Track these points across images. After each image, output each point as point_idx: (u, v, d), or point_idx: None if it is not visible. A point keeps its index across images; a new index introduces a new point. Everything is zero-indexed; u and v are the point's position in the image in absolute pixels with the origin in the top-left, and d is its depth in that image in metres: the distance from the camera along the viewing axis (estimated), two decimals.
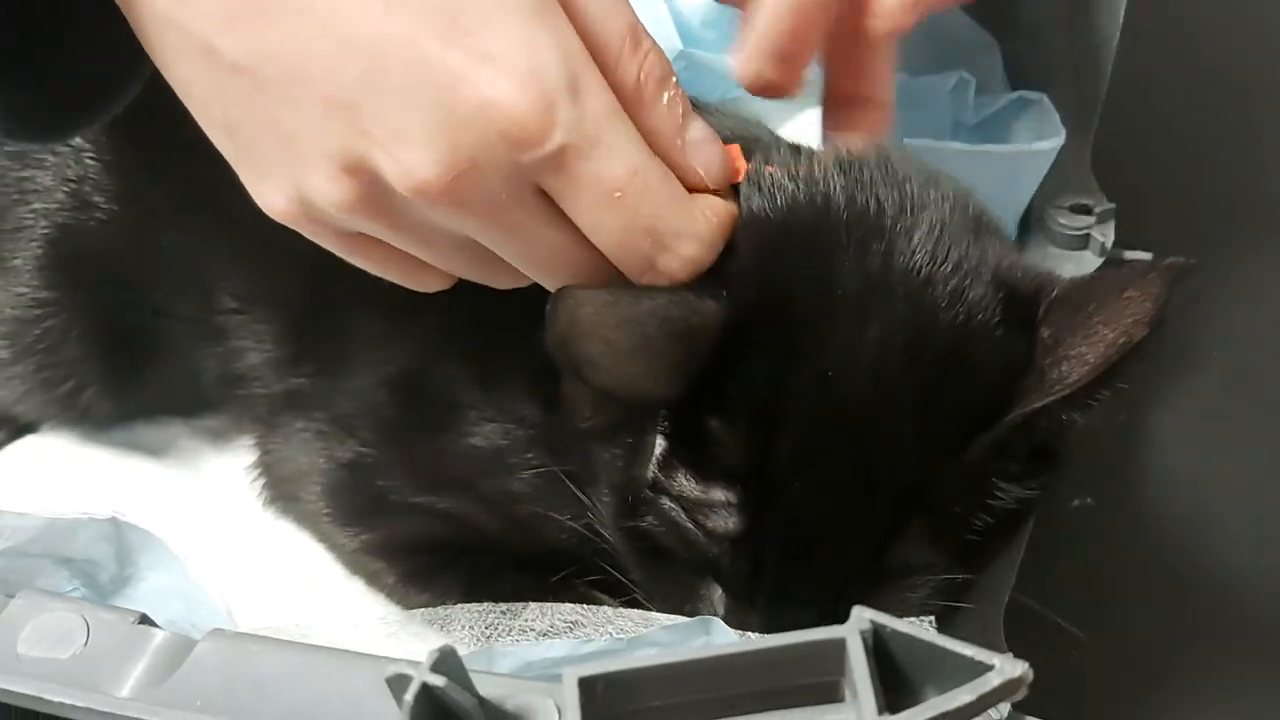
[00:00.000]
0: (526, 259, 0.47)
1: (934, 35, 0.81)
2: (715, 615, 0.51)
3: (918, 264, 0.49)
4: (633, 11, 0.47)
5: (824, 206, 0.51)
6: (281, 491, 0.69)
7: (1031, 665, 0.33)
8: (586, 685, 0.33)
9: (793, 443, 0.48)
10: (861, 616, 0.34)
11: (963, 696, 0.32)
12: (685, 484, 0.50)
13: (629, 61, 0.46)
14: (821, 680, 0.34)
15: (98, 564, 0.54)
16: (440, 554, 0.64)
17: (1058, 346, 0.48)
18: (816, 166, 0.53)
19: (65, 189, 0.67)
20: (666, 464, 0.50)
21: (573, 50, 0.43)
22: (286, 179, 0.46)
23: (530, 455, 0.59)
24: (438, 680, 0.33)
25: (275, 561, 0.67)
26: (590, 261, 0.47)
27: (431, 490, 0.62)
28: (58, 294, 0.67)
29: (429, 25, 0.42)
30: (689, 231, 0.47)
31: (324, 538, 0.68)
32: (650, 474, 0.50)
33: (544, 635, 0.49)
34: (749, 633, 0.49)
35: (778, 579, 0.50)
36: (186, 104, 0.48)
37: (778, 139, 0.58)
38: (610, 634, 0.48)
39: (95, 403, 0.71)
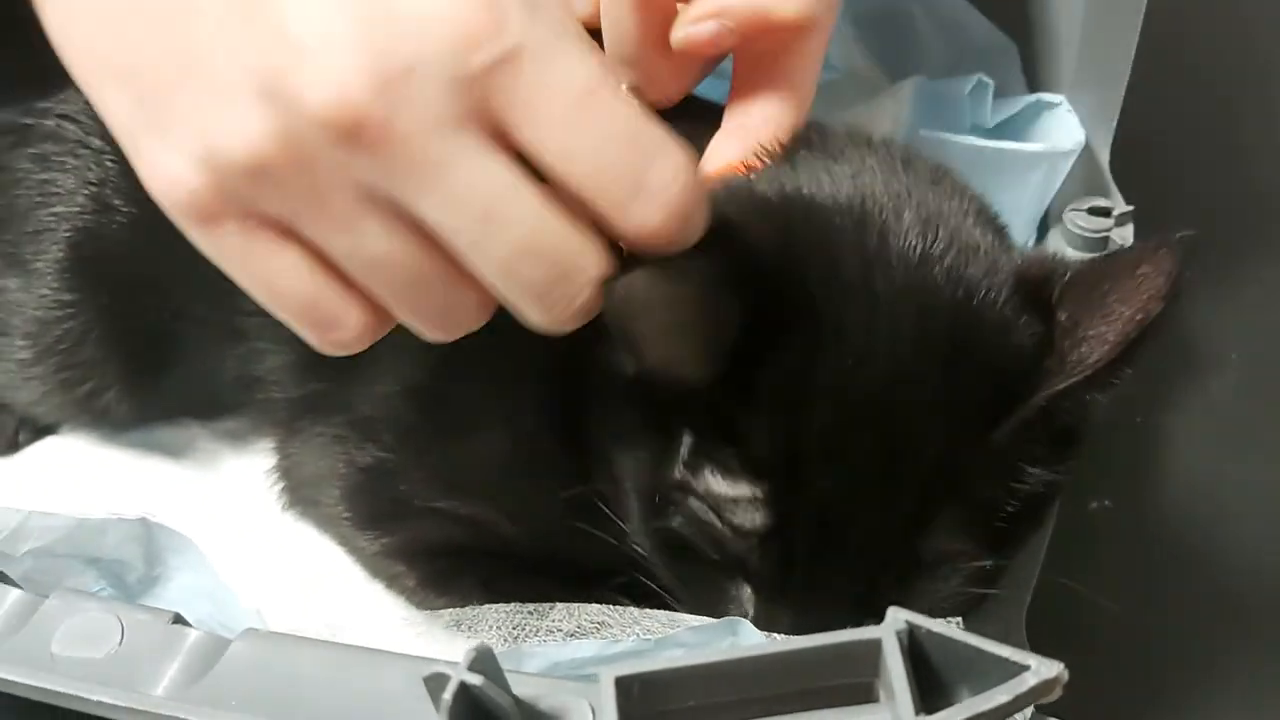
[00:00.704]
0: (469, 213, 0.41)
1: (952, 38, 0.82)
2: (745, 616, 0.51)
3: (911, 244, 0.50)
4: None
5: (827, 193, 0.52)
6: (301, 495, 0.69)
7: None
8: (623, 685, 0.33)
9: (819, 433, 0.48)
10: (897, 617, 0.34)
11: (999, 697, 0.32)
12: (712, 481, 0.50)
13: None
14: (856, 681, 0.34)
15: (126, 564, 0.54)
16: (460, 558, 0.64)
17: (1076, 328, 0.49)
18: (816, 154, 0.54)
19: (86, 192, 0.67)
20: (693, 463, 0.50)
21: None
22: (192, 128, 0.41)
23: (553, 464, 0.59)
24: (476, 679, 0.33)
25: (300, 563, 0.67)
26: (544, 213, 0.41)
27: (452, 495, 0.62)
28: (79, 296, 0.68)
29: None
30: (673, 143, 0.42)
31: (344, 541, 0.68)
32: (677, 474, 0.50)
33: (572, 636, 0.49)
34: (778, 633, 0.49)
35: (809, 574, 0.49)
36: (83, 60, 0.44)
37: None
38: (637, 634, 0.48)
39: (114, 404, 0.71)
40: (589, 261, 0.42)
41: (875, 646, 0.34)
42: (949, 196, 0.54)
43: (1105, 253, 0.51)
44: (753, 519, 0.49)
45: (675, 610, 0.53)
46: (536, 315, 0.43)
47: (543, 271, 0.42)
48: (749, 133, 0.56)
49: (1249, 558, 0.69)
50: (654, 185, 0.41)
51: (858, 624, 0.35)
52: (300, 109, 0.39)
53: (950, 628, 0.33)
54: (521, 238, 0.41)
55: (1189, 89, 0.73)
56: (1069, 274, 0.51)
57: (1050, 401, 0.48)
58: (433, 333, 0.46)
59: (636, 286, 0.44)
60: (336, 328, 0.45)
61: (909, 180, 0.53)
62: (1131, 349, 0.47)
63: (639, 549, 0.55)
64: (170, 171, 0.42)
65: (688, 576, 0.53)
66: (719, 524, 0.50)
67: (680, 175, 0.42)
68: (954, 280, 0.50)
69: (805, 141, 0.56)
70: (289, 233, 0.43)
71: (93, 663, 0.40)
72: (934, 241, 0.50)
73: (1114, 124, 0.74)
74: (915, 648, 0.34)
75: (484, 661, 0.34)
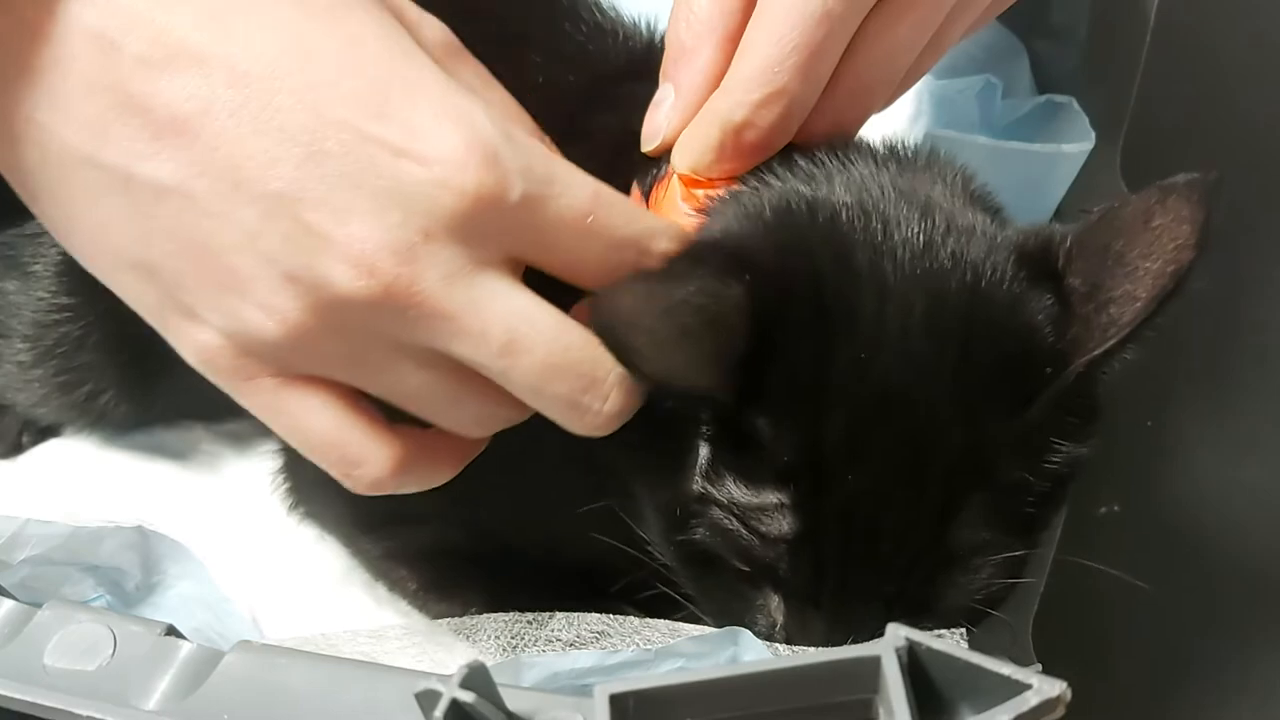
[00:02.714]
0: (493, 345, 0.44)
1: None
2: (774, 625, 0.50)
3: (914, 231, 0.49)
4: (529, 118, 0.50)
5: (827, 185, 0.52)
6: (305, 496, 0.69)
7: (1060, 673, 0.32)
8: (617, 702, 0.33)
9: (840, 431, 0.47)
10: (897, 634, 0.33)
11: (1000, 716, 0.31)
12: (735, 490, 0.49)
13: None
14: (855, 698, 0.34)
15: (124, 572, 0.54)
16: (464, 563, 0.63)
17: (1097, 291, 0.48)
18: (814, 150, 0.53)
19: None
20: (713, 473, 0.50)
21: (495, 112, 0.45)
22: (219, 309, 0.45)
23: (567, 471, 0.58)
24: (467, 696, 0.33)
25: (300, 569, 0.67)
26: (563, 333, 0.45)
27: (457, 500, 0.62)
28: (77, 300, 0.67)
29: (360, 108, 0.43)
30: (659, 227, 0.48)
31: (348, 543, 0.68)
32: (697, 486, 0.50)
33: (571, 645, 0.48)
34: (812, 640, 0.49)
35: (841, 577, 0.48)
36: (92, 252, 0.47)
37: None
38: (638, 644, 0.48)
39: (112, 407, 0.71)
40: (611, 366, 0.46)
41: (874, 664, 0.33)
42: (939, 180, 0.54)
43: (1100, 210, 0.50)
44: (780, 525, 0.48)
45: (705, 622, 0.52)
46: (573, 424, 0.47)
47: (569, 384, 0.45)
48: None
49: (1259, 561, 0.69)
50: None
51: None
52: (329, 287, 0.42)
53: (951, 644, 0.33)
54: (545, 359, 0.45)
55: (1201, 91, 0.72)
56: (1070, 239, 0.50)
57: (1087, 368, 0.47)
58: (473, 435, 0.50)
59: (623, 301, 0.45)
60: (361, 464, 0.47)
61: (898, 167, 0.53)
62: (1167, 301, 0.46)
63: (656, 555, 0.54)
64: (203, 346, 0.46)
65: (712, 588, 0.53)
66: (745, 533, 0.49)
67: (670, 248, 0.47)
68: (959, 264, 0.49)
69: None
70: (318, 380, 0.46)
71: (85, 675, 0.40)
72: (934, 227, 0.50)
73: (1125, 125, 0.73)
74: (915, 665, 0.33)
75: (476, 678, 0.33)
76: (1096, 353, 0.47)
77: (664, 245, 0.47)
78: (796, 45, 0.49)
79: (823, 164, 0.53)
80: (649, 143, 0.54)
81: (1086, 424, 0.50)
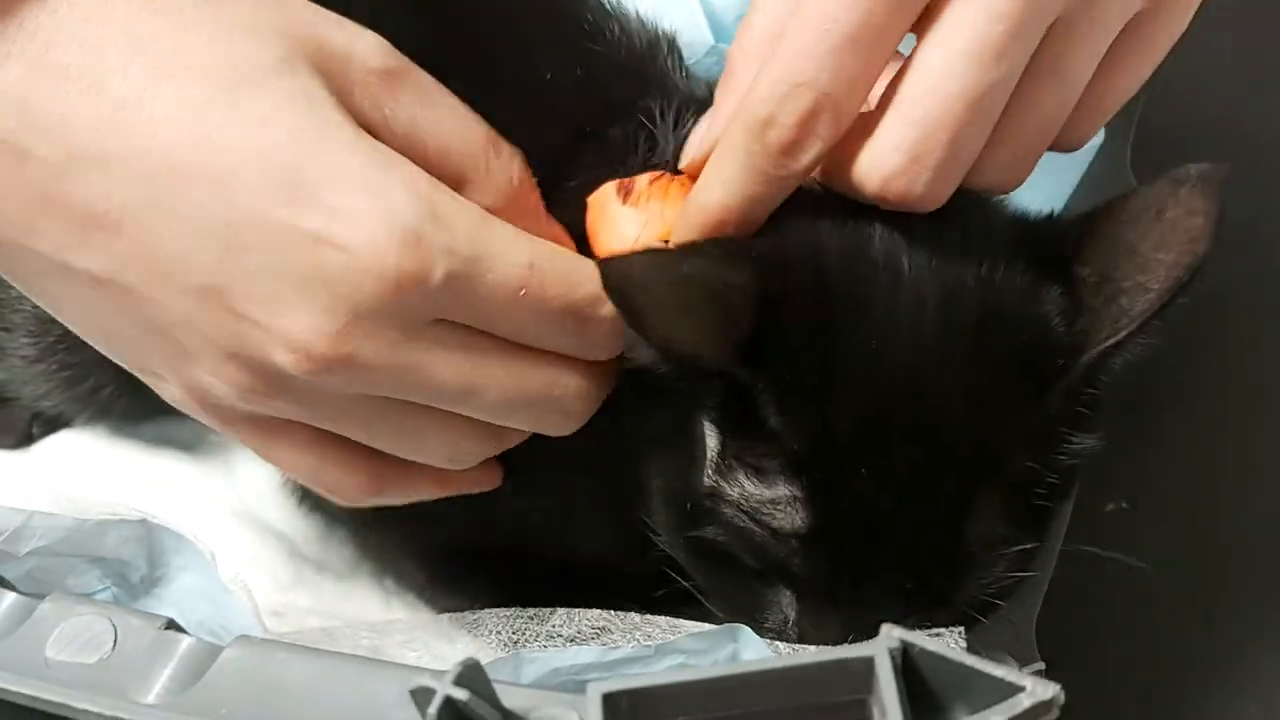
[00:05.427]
0: (448, 393, 0.46)
1: None
2: (787, 622, 0.50)
3: (926, 222, 0.48)
4: (483, 122, 0.48)
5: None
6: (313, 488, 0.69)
7: (1061, 675, 0.32)
8: (611, 701, 0.33)
9: (851, 421, 0.47)
10: (891, 635, 0.33)
11: (993, 718, 0.31)
12: (746, 485, 0.49)
13: (501, 165, 0.48)
14: (849, 698, 0.34)
15: (129, 564, 0.54)
16: (472, 557, 0.63)
17: (1106, 282, 0.48)
18: None
19: None
20: (724, 468, 0.49)
21: (420, 183, 0.44)
22: (176, 374, 0.46)
23: (578, 461, 0.58)
24: (461, 694, 0.33)
25: (307, 560, 0.67)
26: (513, 368, 0.47)
27: (470, 499, 0.62)
28: None
29: (272, 197, 0.42)
30: (595, 275, 0.46)
31: (356, 535, 0.68)
32: (709, 481, 0.49)
33: (571, 641, 0.48)
34: (828, 638, 0.48)
35: (856, 571, 0.48)
36: (60, 318, 0.49)
37: None
38: (638, 640, 0.48)
39: (114, 400, 0.71)
40: (568, 382, 0.49)
41: (868, 664, 0.33)
42: None
43: (1108, 201, 0.50)
44: (792, 520, 0.48)
45: (718, 619, 0.52)
46: (545, 431, 0.50)
47: (530, 409, 0.48)
48: None
49: (1271, 559, 0.68)
50: (597, 331, 0.48)
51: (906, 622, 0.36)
52: (272, 368, 0.43)
53: (946, 646, 0.33)
54: (502, 395, 0.47)
55: (1212, 88, 0.72)
56: (1077, 229, 0.50)
57: (1098, 359, 0.47)
58: (450, 468, 0.51)
59: (634, 268, 0.45)
60: (337, 489, 0.50)
61: None
62: (1180, 293, 0.46)
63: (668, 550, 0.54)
64: (173, 398, 0.48)
65: (724, 584, 0.52)
66: (757, 529, 0.49)
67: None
68: (972, 254, 0.48)
69: None
70: (288, 423, 0.48)
71: (85, 668, 0.40)
72: (947, 218, 0.48)
73: (1135, 122, 0.73)
74: (909, 665, 0.33)
75: (470, 675, 0.34)
76: (1108, 344, 0.47)
77: (608, 310, 0.47)
78: (829, 33, 0.44)
79: None
80: (683, 160, 0.52)
81: (1095, 415, 0.50)
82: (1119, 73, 0.50)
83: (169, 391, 0.48)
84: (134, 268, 0.43)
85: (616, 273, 0.45)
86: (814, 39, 0.44)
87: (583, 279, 0.47)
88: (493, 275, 0.44)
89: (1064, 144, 0.51)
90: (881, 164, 0.46)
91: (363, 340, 0.43)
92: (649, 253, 0.46)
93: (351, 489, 0.50)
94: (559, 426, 0.50)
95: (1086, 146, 0.70)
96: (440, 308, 0.44)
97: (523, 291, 0.45)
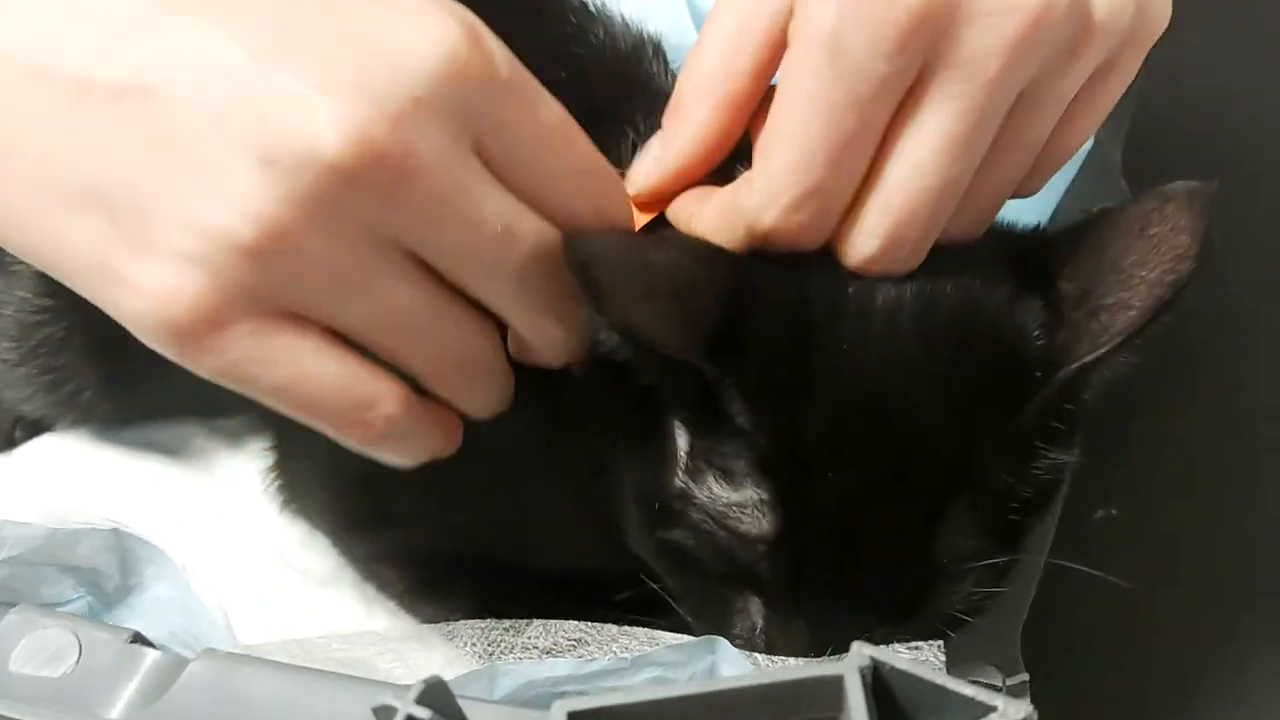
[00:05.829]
0: (488, 234, 0.43)
1: None
2: (754, 630, 0.50)
3: None
4: None
5: None
6: (298, 494, 0.69)
7: (1050, 682, 0.32)
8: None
9: (820, 425, 0.46)
10: (861, 653, 0.33)
11: None
12: (714, 487, 0.48)
13: None
14: (818, 717, 0.33)
15: (102, 573, 0.54)
16: (452, 565, 0.63)
17: (1088, 297, 0.47)
18: None
19: None
20: (693, 467, 0.49)
21: (469, 13, 0.43)
22: (182, 223, 0.40)
23: (554, 467, 0.58)
24: (423, 713, 0.32)
25: (287, 568, 0.67)
26: (541, 226, 0.45)
27: (448, 501, 0.61)
28: (56, 301, 0.67)
29: None
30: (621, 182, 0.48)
31: (337, 543, 0.68)
32: (678, 482, 0.49)
33: (547, 653, 0.48)
34: (791, 648, 0.48)
35: (822, 581, 0.48)
36: (32, 203, 0.41)
37: None
38: (614, 652, 0.47)
39: (93, 405, 0.70)
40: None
41: (838, 683, 0.33)
42: None
43: (1092, 214, 0.50)
44: (759, 524, 0.48)
45: (691, 629, 0.51)
46: (546, 334, 0.48)
47: (540, 285, 0.45)
48: None
49: (1256, 564, 0.68)
50: (612, 215, 0.47)
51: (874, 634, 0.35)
52: (315, 160, 0.39)
53: (916, 664, 0.32)
54: (534, 249, 0.44)
55: (1205, 92, 0.71)
56: (1061, 243, 0.50)
57: (1076, 375, 0.47)
58: (464, 395, 0.47)
59: (598, 245, 0.45)
60: (374, 405, 0.44)
61: None
62: (1163, 312, 0.46)
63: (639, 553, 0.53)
64: (159, 291, 0.40)
65: (692, 589, 0.52)
66: (724, 534, 0.48)
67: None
68: (950, 262, 0.48)
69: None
70: (301, 320, 0.42)
71: (49, 682, 0.40)
72: None
73: (1127, 126, 0.72)
74: (879, 684, 0.33)
75: (434, 693, 0.33)
76: (1087, 359, 0.47)
77: (624, 188, 0.48)
78: (827, 136, 0.44)
79: None
80: (631, 186, 0.50)
81: (1073, 431, 0.49)
82: (1073, 128, 0.50)
83: (152, 282, 0.40)
84: (172, 63, 0.40)
85: (580, 247, 0.44)
86: (812, 143, 0.44)
87: (608, 168, 0.47)
88: (541, 108, 0.44)
89: (1018, 194, 0.51)
90: (861, 247, 0.46)
91: (419, 132, 0.40)
92: (619, 233, 0.46)
93: (389, 402, 0.44)
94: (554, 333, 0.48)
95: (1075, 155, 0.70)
96: (493, 114, 0.42)
97: (561, 133, 0.45)
